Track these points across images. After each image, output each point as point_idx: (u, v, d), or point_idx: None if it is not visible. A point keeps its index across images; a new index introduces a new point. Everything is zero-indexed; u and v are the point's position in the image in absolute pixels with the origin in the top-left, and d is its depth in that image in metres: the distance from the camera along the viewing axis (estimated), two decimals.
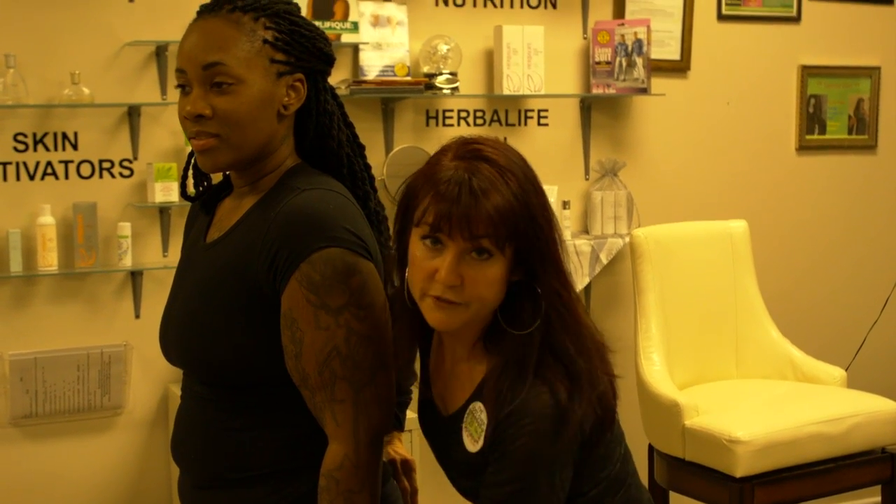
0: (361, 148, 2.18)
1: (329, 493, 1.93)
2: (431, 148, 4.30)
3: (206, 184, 2.22)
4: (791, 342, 4.33)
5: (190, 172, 2.21)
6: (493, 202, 1.87)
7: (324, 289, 1.91)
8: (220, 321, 2.00)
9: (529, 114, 4.53)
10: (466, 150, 1.94)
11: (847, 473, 3.87)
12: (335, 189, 2.02)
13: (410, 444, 3.64)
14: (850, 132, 5.13)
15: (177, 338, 2.10)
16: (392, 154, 4.24)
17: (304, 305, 1.92)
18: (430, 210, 1.89)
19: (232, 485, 2.04)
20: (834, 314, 5.12)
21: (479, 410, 1.94)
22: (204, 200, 2.21)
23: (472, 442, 1.95)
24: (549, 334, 1.92)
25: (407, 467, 2.31)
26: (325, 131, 2.10)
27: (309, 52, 2.05)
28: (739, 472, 3.65)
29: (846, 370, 4.27)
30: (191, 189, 2.25)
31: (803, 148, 5.03)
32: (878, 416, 3.90)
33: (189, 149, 2.13)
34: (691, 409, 3.81)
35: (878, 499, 4.01)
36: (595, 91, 4.54)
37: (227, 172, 2.16)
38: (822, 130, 5.08)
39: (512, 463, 1.87)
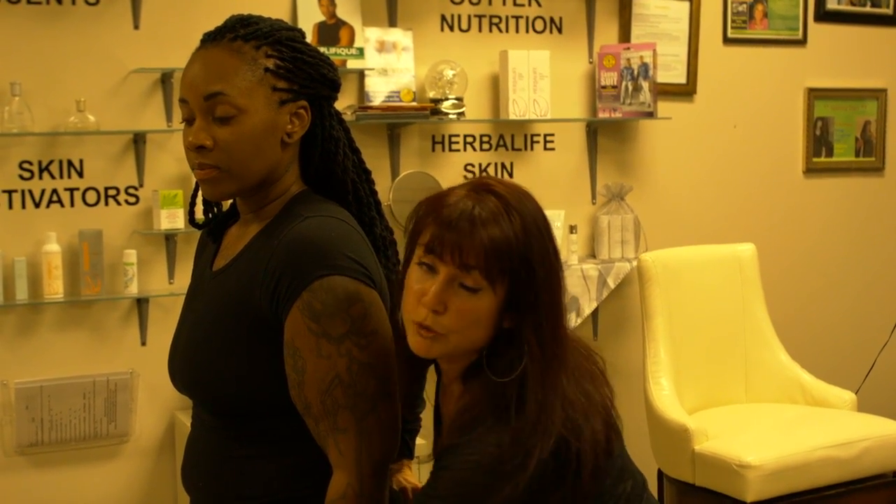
0: (368, 173, 2.16)
1: None
2: (437, 173, 4.30)
3: (215, 211, 2.22)
4: (800, 365, 4.32)
5: (198, 200, 2.21)
6: (489, 233, 1.84)
7: (325, 317, 1.90)
8: (225, 350, 1.99)
9: (535, 138, 4.53)
10: (479, 184, 1.92)
11: (858, 498, 3.84)
12: (339, 216, 2.01)
13: (419, 470, 3.62)
14: (857, 154, 5.12)
15: (183, 366, 2.09)
16: (398, 179, 4.23)
17: (306, 334, 1.91)
18: (427, 233, 1.89)
19: None
20: (843, 337, 5.10)
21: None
22: (211, 228, 2.21)
23: None
24: (525, 387, 1.85)
25: None
26: (330, 157, 2.09)
27: (312, 79, 2.04)
28: (750, 498, 3.63)
29: (856, 393, 4.26)
30: (199, 216, 2.25)
31: (810, 170, 5.02)
32: (888, 439, 3.88)
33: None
34: (701, 433, 3.79)
35: None
36: (601, 115, 4.53)
37: (234, 200, 2.15)
38: (829, 153, 5.07)
39: (438, 482, 1.85)
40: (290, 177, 2.07)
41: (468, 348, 1.90)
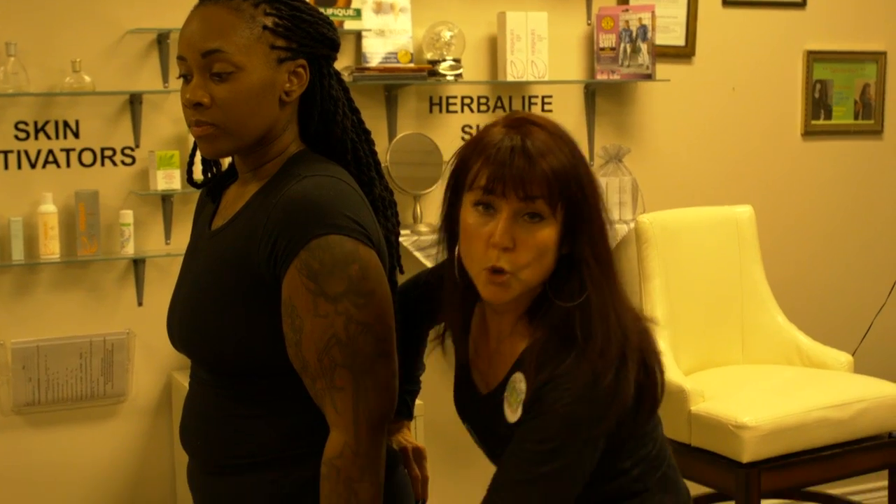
0: (367, 133, 2.16)
1: (330, 481, 1.92)
2: (435, 135, 4.29)
3: (214, 170, 2.21)
4: (797, 327, 4.32)
5: (196, 159, 2.21)
6: (548, 162, 1.90)
7: (322, 276, 1.90)
8: (223, 309, 1.99)
9: (533, 100, 4.51)
10: (516, 120, 1.97)
11: (854, 458, 3.86)
12: (337, 176, 2.01)
13: (415, 431, 3.63)
14: (856, 117, 5.10)
15: (181, 326, 2.10)
16: (395, 141, 4.22)
17: (304, 293, 1.91)
18: (483, 173, 1.92)
19: (236, 471, 2.04)
20: (840, 299, 5.11)
21: (518, 381, 1.96)
22: (210, 188, 2.21)
23: (512, 413, 1.96)
24: (594, 308, 1.92)
25: (419, 455, 2.31)
26: (329, 117, 2.09)
27: (311, 38, 2.03)
28: (746, 458, 3.64)
29: (853, 355, 4.26)
30: (197, 175, 2.24)
31: (809, 133, 5.01)
32: (884, 400, 3.89)
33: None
34: (697, 394, 3.80)
35: (885, 483, 4.00)
36: (599, 77, 4.52)
37: (233, 159, 2.15)
38: (828, 116, 5.05)
39: (545, 425, 1.87)
40: (288, 136, 2.07)
41: (536, 282, 1.95)
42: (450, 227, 2.03)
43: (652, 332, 2.02)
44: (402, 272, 2.19)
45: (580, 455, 1.89)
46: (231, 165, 2.19)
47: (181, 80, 2.03)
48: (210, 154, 2.05)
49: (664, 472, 2.10)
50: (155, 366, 4.05)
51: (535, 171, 1.90)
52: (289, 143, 2.07)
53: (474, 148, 1.97)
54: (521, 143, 1.92)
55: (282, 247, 1.92)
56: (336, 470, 1.91)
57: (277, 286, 1.94)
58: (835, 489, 4.45)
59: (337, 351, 1.91)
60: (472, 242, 1.94)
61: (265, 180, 2.05)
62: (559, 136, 1.96)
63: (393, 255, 2.14)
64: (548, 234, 1.92)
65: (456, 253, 2.01)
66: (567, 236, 1.94)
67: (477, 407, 2.10)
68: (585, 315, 1.92)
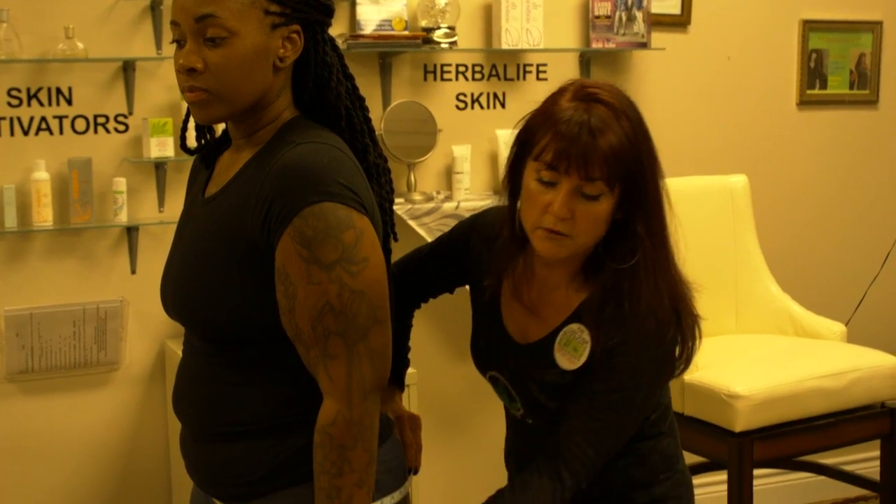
0: (361, 100, 2.15)
1: (323, 449, 1.93)
2: (429, 103, 4.28)
3: (208, 137, 2.21)
4: (791, 297, 4.32)
5: (190, 125, 2.20)
6: (608, 142, 2.03)
7: (316, 243, 1.89)
8: (217, 277, 1.99)
9: (528, 68, 4.50)
10: (584, 93, 2.10)
11: (846, 428, 3.86)
12: (331, 142, 2.00)
13: (408, 400, 3.64)
14: (851, 87, 5.09)
15: (174, 293, 2.09)
16: (389, 109, 4.21)
17: (297, 260, 1.90)
18: (550, 148, 2.06)
19: (229, 438, 2.04)
20: (834, 269, 5.11)
21: (578, 331, 2.14)
22: (204, 154, 2.20)
23: (571, 361, 2.15)
24: (645, 270, 2.10)
25: (414, 423, 2.31)
26: (323, 83, 2.08)
27: (305, 3, 2.02)
28: (739, 427, 3.65)
29: (846, 325, 4.26)
30: (191, 142, 2.24)
31: (804, 103, 5.00)
32: (877, 370, 3.90)
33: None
34: (690, 363, 3.80)
35: (877, 453, 4.01)
36: (594, 45, 4.50)
37: (226, 126, 2.14)
38: (824, 85, 5.04)
39: (617, 378, 2.10)
40: (282, 102, 2.06)
41: (589, 245, 2.12)
42: (513, 179, 2.19)
43: (693, 298, 2.19)
44: (395, 240, 2.20)
45: (644, 403, 2.17)
46: (225, 132, 2.18)
47: (174, 46, 2.02)
48: (203, 120, 2.05)
49: (671, 418, 2.35)
50: (148, 334, 4.04)
51: (597, 153, 2.02)
52: (282, 109, 2.06)
53: (544, 119, 2.10)
54: (587, 121, 2.04)
55: (275, 214, 1.91)
56: (329, 437, 1.91)
57: (271, 253, 1.94)
58: (827, 459, 4.46)
59: (330, 319, 1.90)
60: (531, 205, 2.09)
61: (259, 147, 2.04)
62: (623, 113, 2.08)
63: (387, 222, 2.14)
64: (604, 207, 2.06)
65: (518, 207, 2.16)
66: (623, 204, 2.08)
67: (513, 355, 2.25)
68: (636, 279, 2.10)
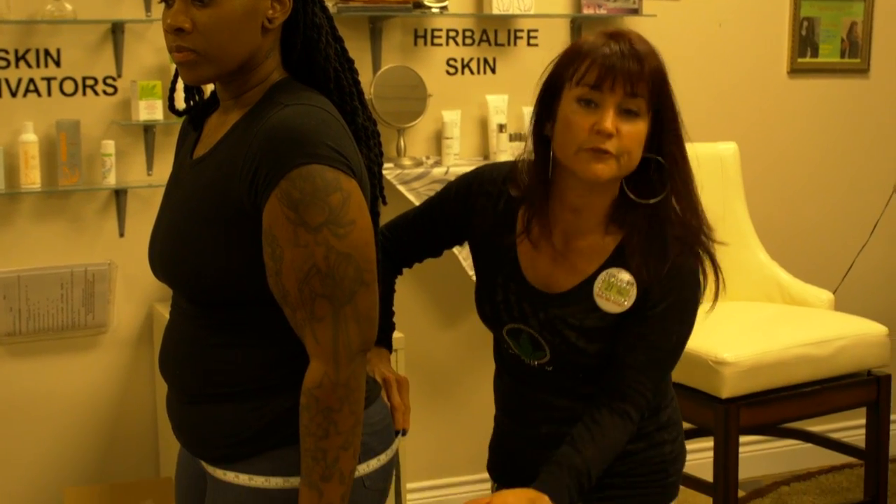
0: (350, 62, 2.14)
1: (309, 411, 1.93)
2: (419, 68, 4.26)
3: (197, 98, 2.20)
4: (779, 265, 4.33)
5: (179, 87, 2.19)
6: (652, 65, 2.18)
7: (303, 206, 1.89)
8: (204, 239, 1.99)
9: (519, 34, 4.48)
10: (614, 32, 2.23)
11: (833, 395, 3.88)
12: (319, 105, 1.99)
13: (395, 363, 3.63)
14: (842, 55, 5.08)
15: (162, 255, 2.09)
16: (379, 74, 4.19)
17: (284, 223, 1.90)
18: (593, 69, 2.16)
19: (215, 400, 2.04)
20: (823, 237, 5.11)
21: (618, 273, 2.23)
22: (192, 116, 2.19)
23: (617, 304, 2.23)
24: (677, 201, 2.24)
25: (402, 385, 2.32)
26: (312, 45, 2.07)
27: None
28: (725, 394, 3.66)
29: (834, 293, 4.27)
30: (179, 104, 2.23)
31: (795, 71, 4.99)
32: (864, 338, 3.91)
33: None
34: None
35: (864, 421, 4.03)
36: (586, 11, 4.49)
37: (215, 87, 2.13)
38: (815, 53, 5.03)
39: (675, 312, 2.24)
40: (270, 63, 2.05)
41: (628, 171, 2.20)
42: (539, 124, 2.27)
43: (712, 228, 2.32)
44: (384, 203, 2.19)
45: (690, 331, 2.30)
46: (213, 93, 2.17)
47: (163, 6, 2.01)
48: (191, 81, 2.05)
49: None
50: (136, 297, 4.04)
51: (643, 70, 2.16)
52: (271, 70, 2.06)
53: (576, 53, 2.21)
54: (628, 46, 2.17)
55: (262, 176, 1.91)
56: (315, 400, 1.92)
57: (258, 215, 1.93)
58: (813, 426, 4.48)
59: (317, 281, 1.90)
60: (573, 130, 2.16)
61: (247, 108, 2.04)
62: (654, 47, 2.22)
63: (375, 185, 2.13)
64: (641, 128, 2.18)
65: (553, 142, 2.23)
66: (651, 139, 2.21)
67: (542, 307, 2.29)
68: (669, 214, 2.22)
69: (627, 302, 2.23)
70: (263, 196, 1.91)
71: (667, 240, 2.22)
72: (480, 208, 2.37)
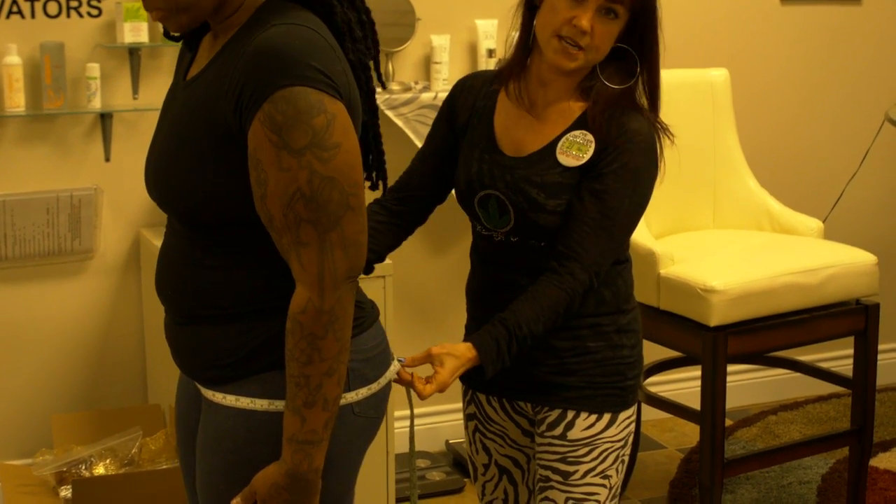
0: None
1: (293, 337, 1.92)
2: None
3: None
4: (769, 193, 4.31)
5: None
6: None
7: (286, 129, 1.86)
8: (193, 161, 1.97)
9: None
10: None
11: (821, 324, 3.87)
12: (308, 24, 1.95)
13: (384, 291, 3.62)
14: None
15: (155, 176, 2.08)
16: None
17: (267, 146, 1.87)
18: None
19: (206, 321, 2.05)
20: (813, 166, 5.10)
21: (581, 135, 2.42)
22: (187, 37, 2.17)
23: (574, 158, 2.42)
24: (642, 82, 2.48)
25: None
26: None
27: None
28: (713, 322, 3.65)
29: (823, 222, 4.26)
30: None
31: None
32: (853, 267, 3.90)
33: None
34: (667, 258, 3.80)
35: (851, 351, 4.03)
36: None
37: None
38: None
39: (629, 174, 2.41)
40: None
41: (595, 63, 2.43)
42: (529, 4, 2.47)
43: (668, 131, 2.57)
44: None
45: (641, 205, 2.47)
46: None
47: None
48: (176, 31, 2.05)
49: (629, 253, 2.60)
50: (123, 222, 4.01)
51: None
52: None
53: None
54: None
55: (246, 98, 1.88)
56: (300, 325, 1.91)
57: (244, 138, 1.91)
58: (801, 356, 4.48)
59: (301, 206, 1.88)
60: (555, 14, 2.36)
61: (236, 29, 2.01)
62: None
63: (366, 110, 2.11)
64: (616, 28, 2.38)
65: (535, 23, 2.43)
66: (626, 33, 2.41)
67: (510, 169, 2.47)
68: (633, 97, 2.46)
69: (585, 156, 2.41)
70: (248, 119, 1.89)
71: (628, 112, 2.43)
72: (464, 100, 2.58)
